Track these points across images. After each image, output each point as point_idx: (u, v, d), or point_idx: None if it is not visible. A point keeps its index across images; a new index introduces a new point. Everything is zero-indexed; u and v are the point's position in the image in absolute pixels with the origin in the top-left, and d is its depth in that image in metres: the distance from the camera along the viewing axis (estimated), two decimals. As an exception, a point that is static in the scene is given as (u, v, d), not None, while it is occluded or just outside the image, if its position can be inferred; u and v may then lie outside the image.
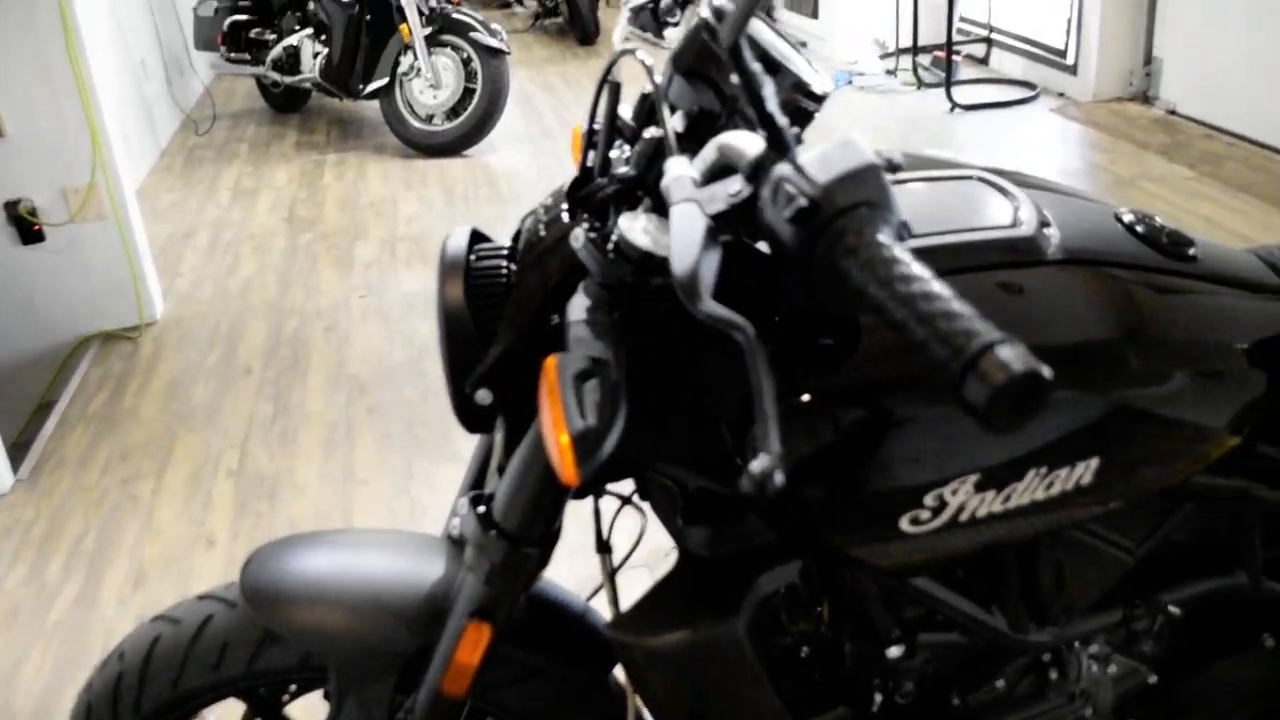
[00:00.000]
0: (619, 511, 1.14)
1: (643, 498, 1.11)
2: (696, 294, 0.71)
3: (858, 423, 0.94)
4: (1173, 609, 1.19)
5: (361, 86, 5.52)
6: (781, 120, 0.75)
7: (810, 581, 1.07)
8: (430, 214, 4.76)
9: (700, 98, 0.91)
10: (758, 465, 0.63)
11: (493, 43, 5.26)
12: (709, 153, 0.83)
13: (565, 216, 1.00)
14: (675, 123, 0.92)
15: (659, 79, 0.92)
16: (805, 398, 0.92)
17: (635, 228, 0.88)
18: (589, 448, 0.86)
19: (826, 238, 0.69)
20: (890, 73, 6.40)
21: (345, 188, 5.18)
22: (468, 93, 5.37)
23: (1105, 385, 0.98)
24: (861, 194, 0.69)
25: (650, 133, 0.91)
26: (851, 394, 0.94)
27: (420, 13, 5.21)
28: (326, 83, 5.62)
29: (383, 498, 2.75)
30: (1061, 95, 5.78)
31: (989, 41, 6.44)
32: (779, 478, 0.63)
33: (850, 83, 6.32)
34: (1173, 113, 5.34)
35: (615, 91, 0.97)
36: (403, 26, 5.22)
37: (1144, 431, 1.00)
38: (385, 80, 5.42)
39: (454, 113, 5.43)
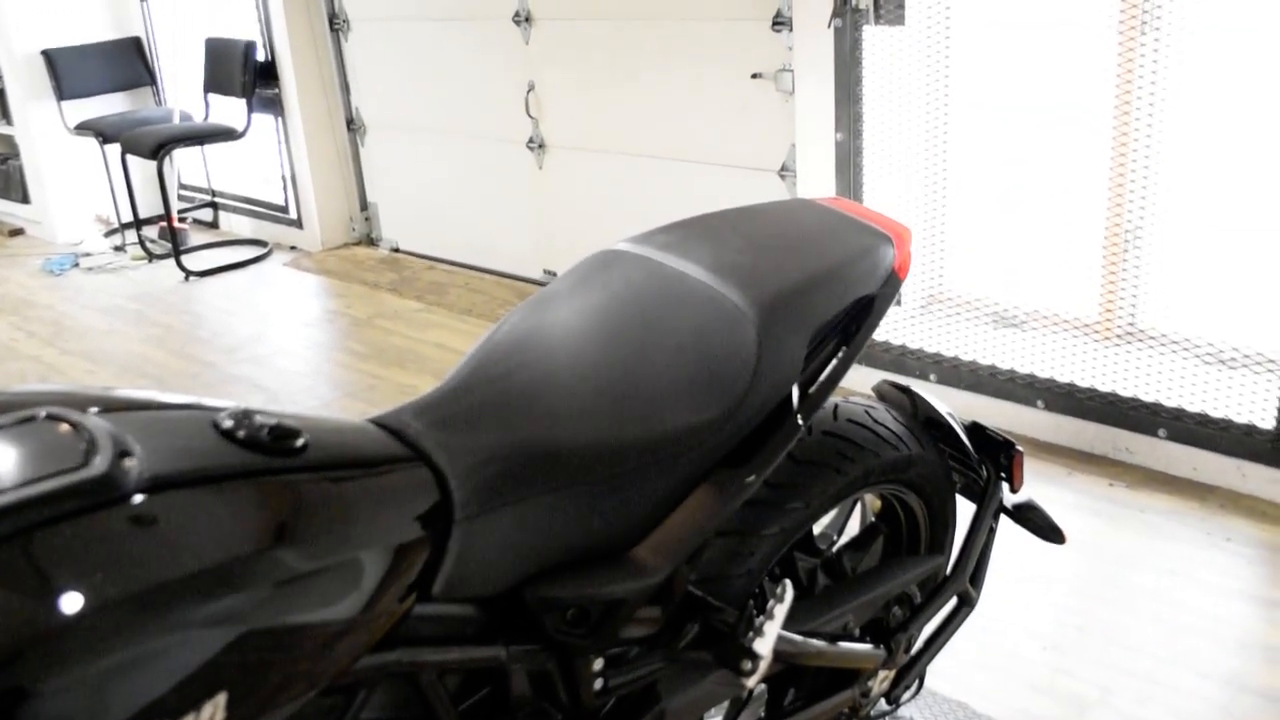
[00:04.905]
0: None
1: None
2: None
3: None
4: None
5: None
6: None
7: None
8: None
9: None
10: None
11: None
12: None
13: None
14: None
15: None
16: None
17: None
18: None
19: None
20: (119, 249, 6.15)
21: None
22: None
23: (218, 616, 0.93)
24: None
25: None
26: None
27: None
28: None
29: None
30: (294, 248, 5.93)
31: (214, 205, 6.43)
32: None
33: (77, 265, 5.96)
34: (396, 250, 5.69)
35: None
36: None
37: (276, 647, 0.97)
38: None
39: None
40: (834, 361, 1.53)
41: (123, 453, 0.96)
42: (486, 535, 1.19)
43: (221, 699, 0.92)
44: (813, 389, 1.50)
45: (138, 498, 0.94)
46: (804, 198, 1.77)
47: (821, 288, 1.49)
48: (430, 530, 1.14)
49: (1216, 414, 3.00)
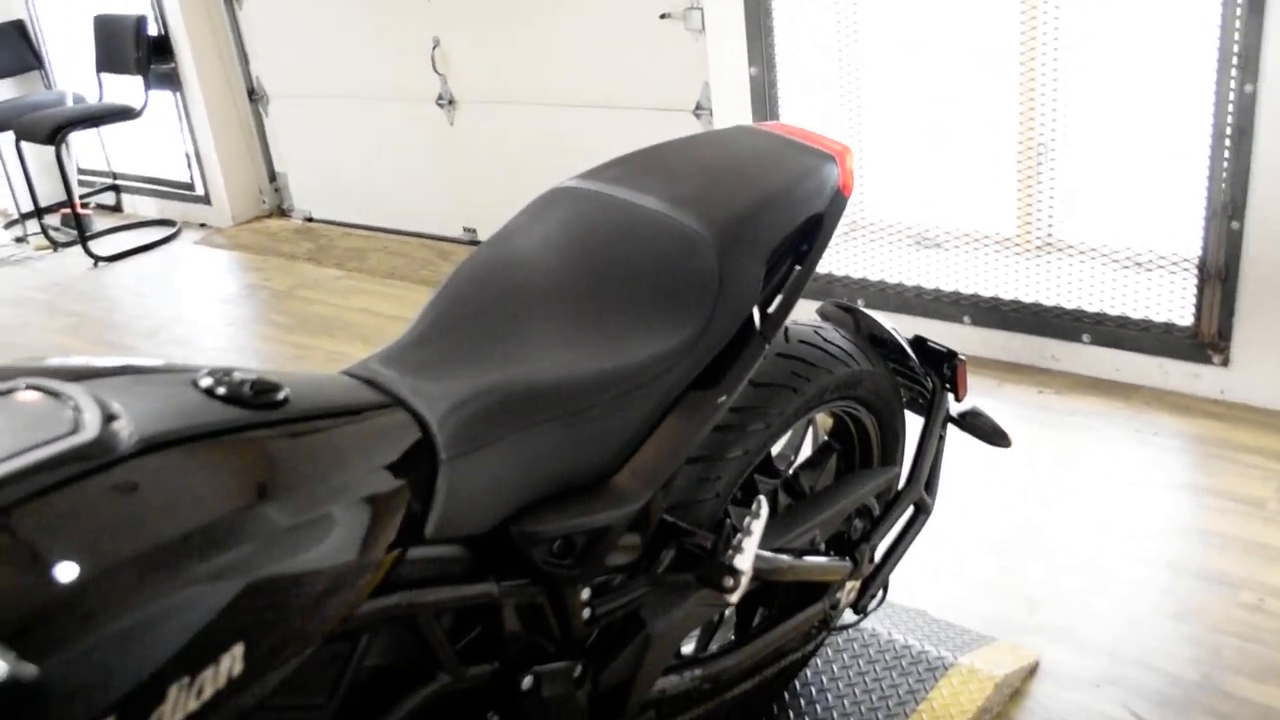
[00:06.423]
0: None
1: None
2: None
3: None
4: None
5: None
6: None
7: None
8: None
9: None
10: None
11: None
12: None
13: None
14: None
15: None
16: None
17: None
18: None
19: None
20: (20, 240, 5.97)
21: None
22: None
23: (224, 567, 0.93)
24: None
25: None
26: None
27: None
28: None
29: None
30: (203, 225, 5.80)
31: (116, 189, 6.27)
32: None
33: (-21, 259, 5.79)
34: (310, 220, 5.61)
35: None
36: None
37: (283, 596, 0.98)
38: None
39: None
40: (790, 280, 1.56)
41: (110, 416, 0.96)
42: (471, 475, 1.21)
43: (239, 650, 0.93)
44: (772, 308, 1.53)
45: (132, 459, 0.94)
46: (744, 124, 1.79)
47: (773, 209, 1.51)
48: (418, 473, 1.16)
49: (1136, 315, 3.11)
